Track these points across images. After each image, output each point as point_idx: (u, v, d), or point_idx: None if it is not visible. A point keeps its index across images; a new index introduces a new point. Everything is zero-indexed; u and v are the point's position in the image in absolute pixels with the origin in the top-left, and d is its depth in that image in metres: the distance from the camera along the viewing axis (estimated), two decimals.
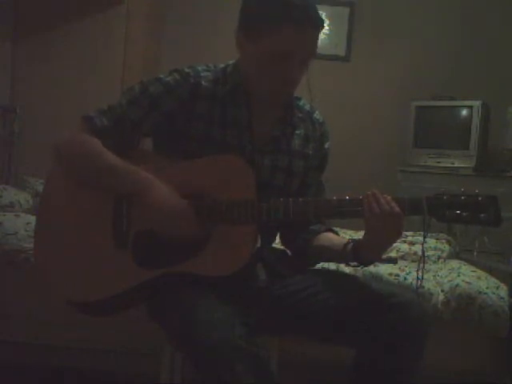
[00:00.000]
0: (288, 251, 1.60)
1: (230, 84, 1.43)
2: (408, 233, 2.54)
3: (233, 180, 1.37)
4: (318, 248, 1.48)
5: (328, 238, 1.48)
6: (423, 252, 1.38)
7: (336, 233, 1.53)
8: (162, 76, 1.43)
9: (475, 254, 2.94)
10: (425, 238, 1.35)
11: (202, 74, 1.43)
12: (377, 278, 2.01)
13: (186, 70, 1.43)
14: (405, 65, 3.99)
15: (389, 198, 1.28)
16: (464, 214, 1.27)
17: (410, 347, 1.29)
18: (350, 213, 1.33)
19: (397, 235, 1.32)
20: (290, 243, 1.58)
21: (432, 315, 1.34)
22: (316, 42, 1.37)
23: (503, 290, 2.00)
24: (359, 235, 2.72)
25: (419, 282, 1.41)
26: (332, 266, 2.05)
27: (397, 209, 1.27)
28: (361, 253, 1.35)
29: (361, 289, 1.38)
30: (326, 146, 1.56)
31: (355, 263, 1.39)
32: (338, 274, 1.71)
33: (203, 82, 1.42)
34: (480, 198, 1.27)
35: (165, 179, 1.37)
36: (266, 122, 1.46)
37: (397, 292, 1.35)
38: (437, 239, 2.54)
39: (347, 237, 2.67)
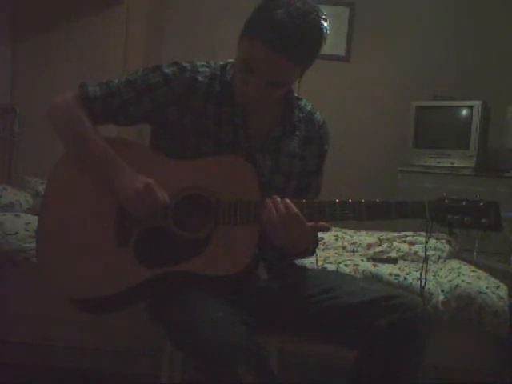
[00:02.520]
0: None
1: (224, 82, 1.43)
2: (408, 233, 2.54)
3: (236, 181, 1.37)
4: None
5: None
6: (426, 256, 1.38)
7: None
8: (163, 65, 1.44)
9: (475, 254, 2.93)
10: (427, 241, 1.36)
11: (200, 70, 1.44)
12: (377, 277, 2.01)
13: (184, 64, 1.44)
14: (405, 65, 3.99)
15: (287, 200, 1.30)
16: (465, 218, 1.28)
17: (411, 349, 1.30)
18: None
19: (297, 235, 1.32)
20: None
21: (433, 317, 1.34)
22: (288, 72, 1.33)
23: (503, 290, 2.00)
24: (359, 235, 2.74)
25: (423, 283, 1.42)
26: (332, 266, 2.05)
27: (293, 210, 1.28)
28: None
29: (362, 290, 1.38)
30: (326, 147, 1.56)
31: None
32: (338, 274, 1.71)
33: (199, 78, 1.42)
34: (481, 204, 1.28)
35: (167, 178, 1.38)
36: (263, 121, 1.46)
37: (398, 294, 1.36)
38: (437, 239, 2.54)
39: (347, 237, 2.69)
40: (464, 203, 1.29)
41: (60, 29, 3.50)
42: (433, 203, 1.29)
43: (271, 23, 1.26)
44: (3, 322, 2.04)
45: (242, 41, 1.33)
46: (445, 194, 1.31)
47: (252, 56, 1.30)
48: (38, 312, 2.03)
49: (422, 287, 1.44)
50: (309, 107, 1.54)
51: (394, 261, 2.27)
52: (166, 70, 1.42)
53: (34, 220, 2.02)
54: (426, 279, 1.38)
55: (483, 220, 1.27)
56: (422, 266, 1.39)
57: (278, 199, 1.31)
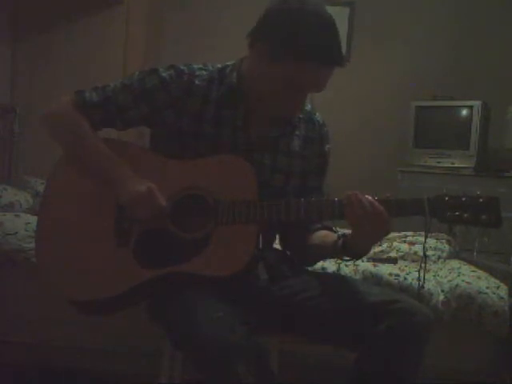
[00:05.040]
0: (287, 252, 1.60)
1: (227, 84, 1.43)
2: (408, 233, 2.53)
3: (234, 180, 1.37)
4: (314, 247, 1.48)
5: (320, 235, 1.48)
6: (424, 253, 1.38)
7: (330, 229, 1.51)
8: (160, 69, 1.43)
9: (475, 254, 2.93)
10: (426, 238, 1.36)
11: (197, 73, 1.43)
12: (377, 277, 2.01)
13: (182, 68, 1.43)
14: (405, 65, 3.99)
15: (370, 198, 1.28)
16: (465, 215, 1.27)
17: (411, 350, 1.30)
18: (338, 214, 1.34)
19: (383, 233, 1.32)
20: (290, 245, 1.57)
21: (434, 320, 1.34)
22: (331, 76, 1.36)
23: (503, 290, 2.00)
24: None
25: (421, 283, 1.41)
26: (332, 267, 2.05)
27: (379, 208, 1.27)
28: (351, 248, 1.36)
29: (362, 294, 1.38)
30: (326, 148, 1.56)
31: (347, 258, 1.40)
32: (340, 277, 1.71)
33: (197, 81, 1.42)
34: (481, 200, 1.27)
35: (165, 178, 1.38)
36: (263, 122, 1.46)
37: (398, 298, 1.35)
38: (437, 239, 2.53)
39: None
40: (464, 199, 1.28)
41: (60, 29, 3.50)
42: (432, 200, 1.29)
43: (317, 43, 1.28)
44: (3, 321, 2.04)
45: (285, 62, 1.30)
46: (444, 191, 1.30)
47: (303, 77, 1.31)
48: (38, 312, 2.03)
49: (422, 286, 1.43)
50: (308, 107, 1.54)
51: (393, 261, 2.26)
52: (163, 74, 1.42)
53: (33, 220, 2.02)
54: (424, 277, 1.38)
55: (483, 216, 1.26)
56: (420, 264, 1.39)
57: (363, 196, 1.28)
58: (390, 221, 1.28)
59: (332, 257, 1.58)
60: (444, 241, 2.56)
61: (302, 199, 1.36)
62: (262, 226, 1.37)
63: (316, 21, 1.29)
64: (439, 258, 2.45)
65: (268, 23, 1.34)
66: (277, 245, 1.63)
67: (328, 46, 1.30)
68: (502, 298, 1.96)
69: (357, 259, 1.42)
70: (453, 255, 2.54)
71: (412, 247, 2.44)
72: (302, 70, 1.30)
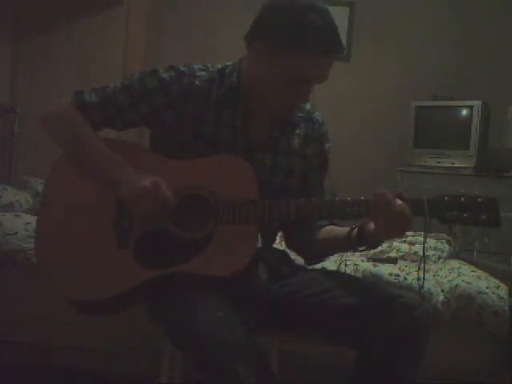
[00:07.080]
0: (288, 252, 1.60)
1: (227, 85, 1.43)
2: (408, 233, 2.53)
3: (235, 180, 1.37)
4: (322, 241, 1.48)
5: (330, 229, 1.49)
6: (424, 253, 1.38)
7: (335, 224, 1.51)
8: (160, 70, 1.43)
9: (475, 254, 2.93)
10: (425, 238, 1.36)
11: (197, 74, 1.43)
12: (377, 277, 2.01)
13: (182, 69, 1.43)
14: (405, 65, 3.99)
15: (399, 201, 1.28)
16: (464, 215, 1.28)
17: (411, 348, 1.30)
18: (352, 214, 1.33)
19: (405, 231, 1.33)
20: (295, 244, 1.57)
21: (434, 317, 1.34)
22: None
23: (503, 290, 2.00)
24: None
25: (421, 282, 1.41)
26: (332, 266, 2.05)
27: (407, 211, 1.27)
28: (368, 237, 1.35)
29: (363, 290, 1.38)
30: (326, 147, 1.56)
31: (363, 247, 1.39)
32: (339, 274, 1.71)
33: (197, 82, 1.42)
34: (480, 200, 1.28)
35: (165, 178, 1.38)
36: (263, 122, 1.46)
37: (400, 294, 1.35)
38: (437, 239, 2.54)
39: None
40: (463, 199, 1.29)
41: (60, 29, 3.50)
42: (431, 200, 1.30)
43: (317, 33, 1.28)
44: (3, 321, 2.04)
45: (287, 57, 1.30)
46: (444, 191, 1.31)
47: (308, 69, 1.31)
48: (38, 312, 2.03)
49: (421, 286, 1.43)
50: (308, 106, 1.54)
51: (393, 261, 2.27)
52: (163, 75, 1.42)
53: (33, 220, 2.01)
54: (424, 278, 1.38)
55: (482, 216, 1.27)
56: (419, 265, 1.39)
57: (389, 194, 1.29)
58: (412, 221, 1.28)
59: (345, 248, 1.56)
60: (444, 241, 2.57)
61: (302, 199, 1.36)
62: (263, 225, 1.37)
63: (313, 13, 1.28)
64: (439, 257, 2.45)
65: (265, 21, 1.34)
66: (277, 245, 1.63)
67: (329, 36, 1.30)
68: (502, 298, 1.96)
69: (373, 248, 1.42)
70: (453, 255, 2.54)
71: (412, 247, 2.44)
72: (305, 64, 1.30)
